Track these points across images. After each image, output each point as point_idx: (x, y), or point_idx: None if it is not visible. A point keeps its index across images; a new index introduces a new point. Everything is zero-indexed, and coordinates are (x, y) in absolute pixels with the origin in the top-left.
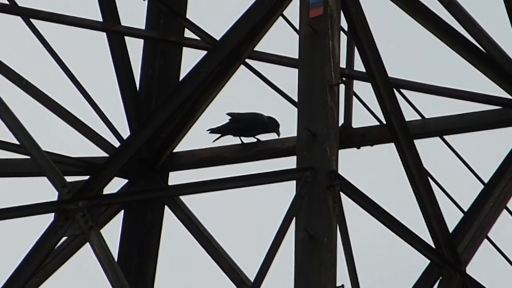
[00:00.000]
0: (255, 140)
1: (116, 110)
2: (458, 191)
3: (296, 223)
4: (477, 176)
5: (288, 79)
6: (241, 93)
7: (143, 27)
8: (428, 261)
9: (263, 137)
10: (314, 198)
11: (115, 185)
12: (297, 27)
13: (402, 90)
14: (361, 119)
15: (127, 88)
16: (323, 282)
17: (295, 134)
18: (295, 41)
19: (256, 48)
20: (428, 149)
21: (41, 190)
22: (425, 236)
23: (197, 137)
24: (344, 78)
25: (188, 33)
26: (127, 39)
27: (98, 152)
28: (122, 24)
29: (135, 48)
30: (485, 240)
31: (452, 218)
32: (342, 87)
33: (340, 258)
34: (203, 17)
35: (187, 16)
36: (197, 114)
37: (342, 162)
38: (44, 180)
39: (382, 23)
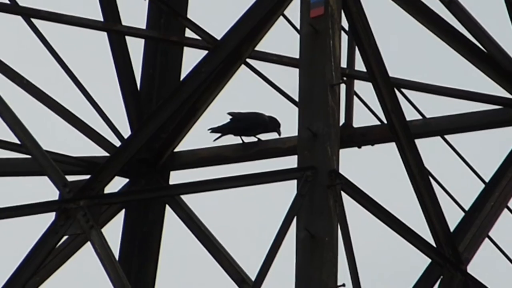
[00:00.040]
0: (256, 139)
1: (117, 110)
2: (459, 190)
3: (297, 223)
4: (478, 175)
5: (289, 78)
6: (242, 92)
7: (144, 26)
8: (429, 260)
9: (264, 136)
10: (315, 197)
11: (116, 184)
12: (298, 27)
13: (403, 90)
14: (362, 118)
15: (128, 87)
16: (324, 281)
17: (296, 134)
18: (296, 40)
19: (257, 48)
20: (429, 148)
21: (42, 189)
22: (426, 235)
23: (198, 137)
24: (345, 78)
25: (189, 33)
26: (128, 38)
27: (99, 152)
28: (123, 23)
29: (136, 47)
30: (486, 239)
31: (453, 217)
32: (343, 86)
33: (341, 257)
34: (204, 16)
35: (188, 16)
36: (198, 114)
37: (343, 161)
38: (45, 180)
39: (383, 23)
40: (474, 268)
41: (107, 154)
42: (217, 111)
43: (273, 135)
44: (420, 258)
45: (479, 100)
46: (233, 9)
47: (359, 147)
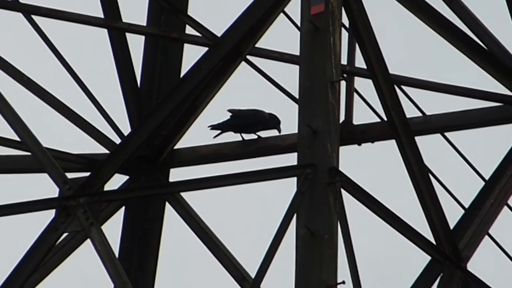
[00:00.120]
0: (256, 136)
1: (117, 107)
2: (459, 188)
3: (297, 220)
4: (478, 173)
5: (289, 75)
6: (242, 89)
7: (144, 23)
8: (429, 258)
9: (264, 133)
10: (315, 194)
11: (116, 181)
12: (298, 24)
13: (403, 87)
14: (362, 115)
15: (128, 84)
16: (324, 278)
17: (296, 131)
18: (296, 37)
19: (257, 45)
20: (429, 145)
21: (42, 186)
22: (426, 232)
23: (198, 134)
24: (345, 75)
25: (189, 30)
26: (128, 35)
27: (99, 149)
28: (123, 20)
29: (136, 44)
30: (486, 237)
31: (453, 215)
32: (343, 83)
33: (341, 254)
34: (204, 13)
35: (188, 13)
36: (198, 111)
37: (343, 158)
38: (45, 177)
39: (383, 20)
40: (474, 265)
41: (107, 151)
42: (217, 108)
43: (273, 132)
44: (420, 255)
45: (479, 97)
46: (234, 6)
47: (359, 144)
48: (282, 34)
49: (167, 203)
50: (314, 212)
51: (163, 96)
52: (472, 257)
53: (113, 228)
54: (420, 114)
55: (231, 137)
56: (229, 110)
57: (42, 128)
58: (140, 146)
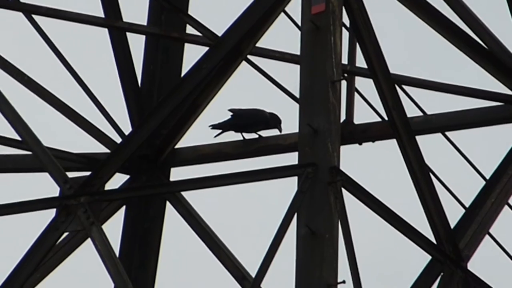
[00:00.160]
0: (256, 136)
1: (117, 106)
2: (459, 187)
3: (297, 219)
4: (479, 172)
5: (290, 75)
6: (243, 89)
7: (145, 23)
8: (430, 257)
9: (265, 133)
10: (315, 194)
11: (117, 181)
12: (299, 23)
13: (404, 86)
14: (363, 115)
15: (129, 84)
16: (324, 277)
17: (296, 130)
18: (297, 37)
19: (258, 44)
20: (430, 145)
21: (43, 185)
22: (427, 232)
23: (199, 133)
24: (345, 74)
25: (190, 29)
26: (129, 35)
27: (99, 148)
28: (124, 20)
29: (137, 44)
30: (487, 236)
31: (453, 214)
32: (343, 83)
33: (342, 254)
34: (205, 13)
35: (189, 12)
36: (198, 110)
37: (344, 158)
38: (45, 176)
39: (383, 19)
40: (475, 265)
41: (107, 151)
42: (218, 108)
43: (274, 132)
44: (420, 254)
45: (480, 96)
46: (234, 6)
47: (360, 143)
48: (282, 34)
49: (167, 203)
50: (315, 211)
51: (164, 95)
52: (472, 257)
53: (114, 228)
54: (421, 114)
55: (232, 136)
56: (230, 110)
57: (43, 127)
58: (141, 146)
